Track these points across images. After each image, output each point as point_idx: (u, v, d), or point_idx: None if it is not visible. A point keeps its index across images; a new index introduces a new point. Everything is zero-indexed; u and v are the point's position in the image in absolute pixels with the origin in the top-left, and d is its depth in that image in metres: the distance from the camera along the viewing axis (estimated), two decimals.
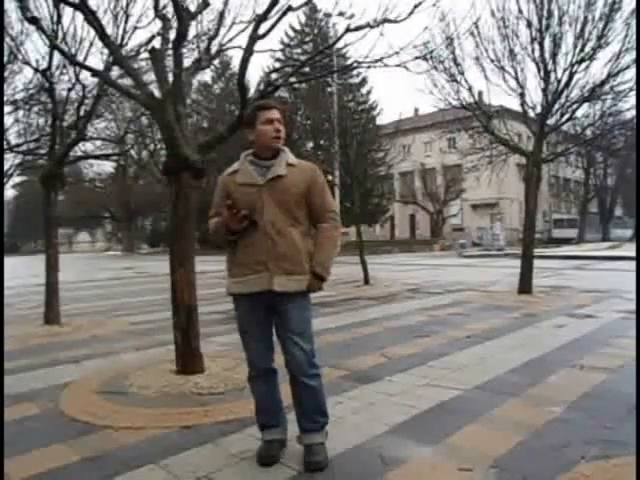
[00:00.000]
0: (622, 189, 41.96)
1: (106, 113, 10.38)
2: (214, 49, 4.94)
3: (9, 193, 51.93)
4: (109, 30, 5.24)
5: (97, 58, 6.46)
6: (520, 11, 7.90)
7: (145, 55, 6.39)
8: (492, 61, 8.27)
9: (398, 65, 4.31)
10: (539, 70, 8.09)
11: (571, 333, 5.26)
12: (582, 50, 7.70)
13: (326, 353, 4.25)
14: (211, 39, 4.92)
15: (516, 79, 8.25)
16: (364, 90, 36.89)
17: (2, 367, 3.80)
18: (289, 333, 2.37)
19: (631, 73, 7.82)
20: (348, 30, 4.12)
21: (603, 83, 7.97)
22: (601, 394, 3.31)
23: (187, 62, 4.57)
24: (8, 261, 23.51)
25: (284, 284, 2.32)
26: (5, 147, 7.30)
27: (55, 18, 5.85)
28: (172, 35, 4.31)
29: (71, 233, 61.07)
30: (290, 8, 3.95)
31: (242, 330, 2.48)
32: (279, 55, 33.12)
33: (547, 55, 7.98)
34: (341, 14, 4.60)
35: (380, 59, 4.14)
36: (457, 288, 9.83)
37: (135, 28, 5.95)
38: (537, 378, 3.67)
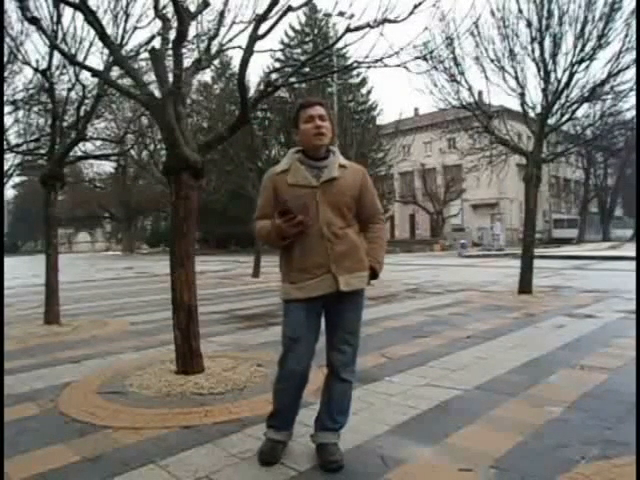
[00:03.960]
0: (622, 189, 41.98)
1: (106, 113, 10.39)
2: (214, 49, 4.93)
3: (9, 193, 52.03)
4: (109, 30, 5.24)
5: (97, 58, 6.46)
6: (520, 11, 7.91)
7: (145, 55, 6.40)
8: (492, 61, 8.28)
9: (398, 65, 4.30)
10: (539, 70, 8.10)
11: (571, 333, 5.26)
12: (582, 50, 7.70)
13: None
14: (211, 39, 4.91)
15: (516, 79, 8.26)
16: (364, 90, 36.87)
17: (2, 367, 3.80)
18: (344, 332, 2.40)
19: (631, 73, 7.84)
20: (348, 30, 4.11)
21: (603, 83, 7.97)
22: (601, 394, 3.30)
23: (187, 62, 4.57)
24: (8, 261, 23.51)
25: (350, 283, 2.32)
26: (5, 147, 7.29)
27: (55, 18, 5.85)
28: (172, 35, 4.31)
29: (71, 233, 61.08)
30: (290, 8, 3.94)
31: (292, 337, 2.36)
32: (279, 55, 33.11)
33: (547, 55, 7.99)
34: (341, 14, 4.60)
35: (380, 59, 4.13)
36: (457, 288, 9.83)
37: (135, 28, 5.96)
38: (537, 378, 3.67)
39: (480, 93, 9.53)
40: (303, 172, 2.33)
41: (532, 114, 8.55)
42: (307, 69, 5.73)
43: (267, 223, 2.35)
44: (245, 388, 3.51)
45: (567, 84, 7.97)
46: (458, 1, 5.04)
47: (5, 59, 6.46)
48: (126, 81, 6.54)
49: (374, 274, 2.42)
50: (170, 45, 4.24)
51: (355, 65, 4.44)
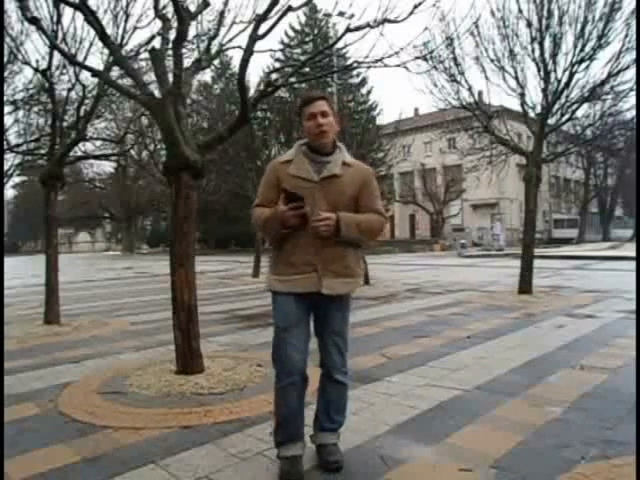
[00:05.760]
0: (622, 189, 41.97)
1: (106, 113, 10.39)
2: (214, 49, 4.94)
3: (9, 193, 52.04)
4: (109, 30, 5.25)
5: (97, 58, 6.48)
6: (520, 11, 7.91)
7: (145, 55, 6.40)
8: (492, 61, 8.28)
9: (398, 65, 4.30)
10: (539, 70, 8.10)
11: (571, 333, 5.26)
12: (582, 50, 7.71)
13: None
14: (211, 39, 4.92)
15: (516, 79, 8.26)
16: (364, 90, 36.85)
17: (2, 367, 3.80)
18: (330, 333, 2.37)
19: (631, 73, 7.85)
20: (348, 30, 4.12)
21: (603, 83, 7.97)
22: (601, 394, 3.31)
23: (187, 62, 4.57)
24: (8, 261, 23.52)
25: (333, 287, 2.26)
26: (5, 147, 7.30)
27: (55, 18, 5.85)
28: (172, 35, 4.31)
29: (71, 233, 61.08)
30: (290, 8, 3.95)
31: (282, 329, 2.29)
32: (279, 55, 33.06)
33: (547, 55, 8.00)
34: (341, 14, 4.59)
35: (380, 59, 4.14)
36: (457, 288, 9.83)
37: (135, 28, 5.96)
38: (537, 378, 3.67)
39: (480, 93, 9.53)
40: (306, 165, 2.29)
41: (532, 114, 8.55)
42: (307, 69, 5.73)
43: (265, 210, 2.29)
44: (245, 388, 3.51)
45: (567, 84, 7.97)
46: (458, 1, 5.04)
47: (5, 59, 6.47)
48: (126, 81, 6.54)
49: (337, 227, 2.19)
50: (170, 45, 4.24)
51: (355, 65, 4.45)
